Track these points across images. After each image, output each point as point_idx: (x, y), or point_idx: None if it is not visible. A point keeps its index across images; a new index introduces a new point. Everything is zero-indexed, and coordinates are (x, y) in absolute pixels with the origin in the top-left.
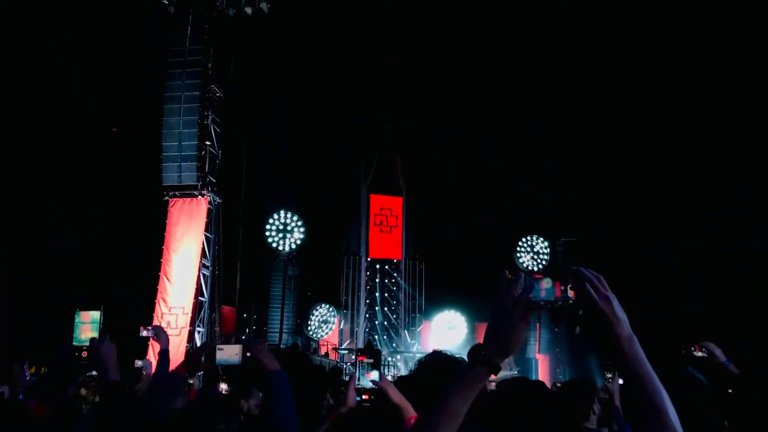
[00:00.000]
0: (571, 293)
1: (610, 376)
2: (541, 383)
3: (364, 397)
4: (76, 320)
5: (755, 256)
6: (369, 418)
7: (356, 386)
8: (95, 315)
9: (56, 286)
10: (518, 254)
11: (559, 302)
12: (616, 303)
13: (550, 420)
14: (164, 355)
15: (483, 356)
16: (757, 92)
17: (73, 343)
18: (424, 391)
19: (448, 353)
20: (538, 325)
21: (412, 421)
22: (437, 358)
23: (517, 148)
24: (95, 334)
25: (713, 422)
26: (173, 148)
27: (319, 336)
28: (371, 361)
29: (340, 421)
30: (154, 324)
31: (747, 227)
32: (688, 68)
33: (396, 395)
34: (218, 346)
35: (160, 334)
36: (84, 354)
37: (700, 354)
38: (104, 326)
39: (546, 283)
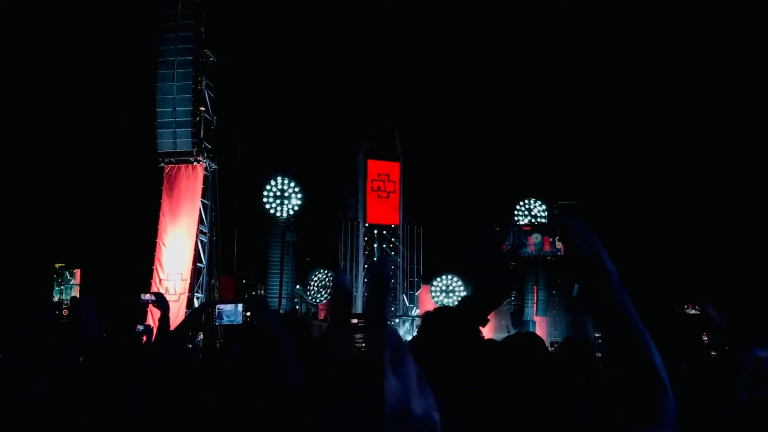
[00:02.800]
0: (559, 246)
1: (599, 335)
2: (538, 337)
3: None
4: (72, 281)
5: (756, 220)
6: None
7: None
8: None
9: (43, 249)
10: (516, 218)
11: (548, 256)
12: (604, 254)
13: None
14: (164, 321)
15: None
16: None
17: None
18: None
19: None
20: (535, 287)
21: None
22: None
23: (515, 110)
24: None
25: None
26: (167, 114)
27: (318, 301)
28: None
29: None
30: (153, 290)
31: (747, 190)
32: (685, 33)
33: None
34: (218, 306)
35: (161, 301)
36: (65, 312)
37: (693, 311)
38: (102, 292)
39: (535, 238)
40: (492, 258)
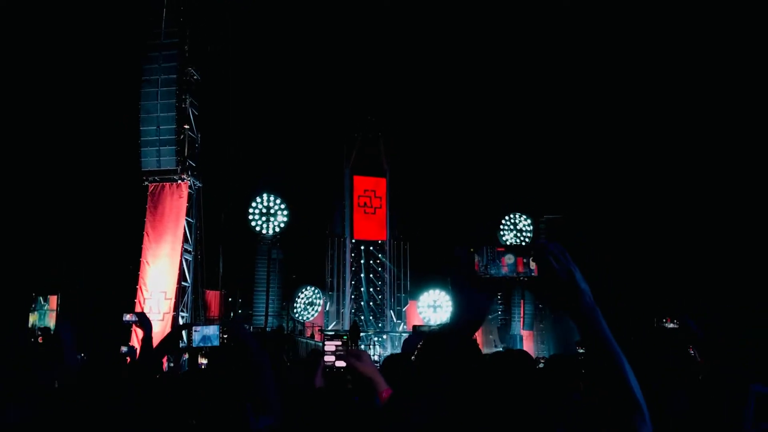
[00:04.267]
0: (533, 267)
1: (582, 351)
2: (526, 353)
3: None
4: (45, 307)
5: (743, 236)
6: (337, 397)
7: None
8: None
9: (22, 271)
10: (501, 232)
11: (522, 277)
12: (578, 275)
13: (538, 391)
14: (147, 341)
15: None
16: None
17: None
18: (411, 370)
19: (427, 329)
20: (522, 301)
21: (385, 395)
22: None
23: (500, 126)
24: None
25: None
26: (151, 132)
27: (305, 318)
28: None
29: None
30: (137, 310)
31: (733, 204)
32: (669, 47)
33: (365, 368)
34: (195, 329)
35: (143, 320)
36: (40, 339)
37: (671, 325)
38: (85, 313)
39: (508, 259)
40: (466, 281)
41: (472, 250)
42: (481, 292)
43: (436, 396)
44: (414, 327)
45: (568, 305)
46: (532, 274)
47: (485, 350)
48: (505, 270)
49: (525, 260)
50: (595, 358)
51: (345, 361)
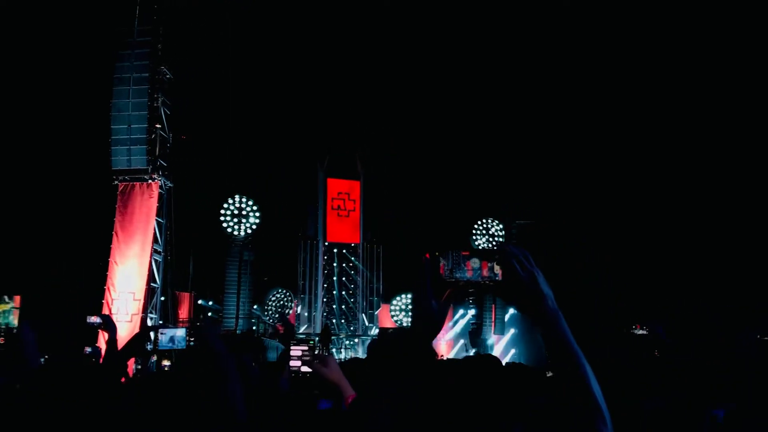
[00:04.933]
0: (498, 271)
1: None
2: (495, 358)
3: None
4: (10, 304)
5: (710, 238)
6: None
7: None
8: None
9: None
10: (474, 237)
11: (486, 281)
12: (541, 278)
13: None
14: (112, 344)
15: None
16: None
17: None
18: (374, 372)
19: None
20: (493, 306)
21: (350, 399)
22: (382, 339)
23: (472, 131)
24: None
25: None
26: (122, 131)
27: (276, 321)
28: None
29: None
30: (104, 311)
31: (702, 211)
32: (642, 52)
33: (331, 374)
34: (161, 331)
35: (108, 323)
36: (2, 341)
37: (641, 332)
38: (50, 314)
39: (473, 263)
40: (425, 290)
41: (437, 254)
42: (442, 300)
43: (397, 400)
44: (380, 330)
45: (531, 309)
46: (497, 278)
47: (458, 355)
48: (470, 274)
49: (490, 264)
50: (558, 362)
51: (310, 367)
